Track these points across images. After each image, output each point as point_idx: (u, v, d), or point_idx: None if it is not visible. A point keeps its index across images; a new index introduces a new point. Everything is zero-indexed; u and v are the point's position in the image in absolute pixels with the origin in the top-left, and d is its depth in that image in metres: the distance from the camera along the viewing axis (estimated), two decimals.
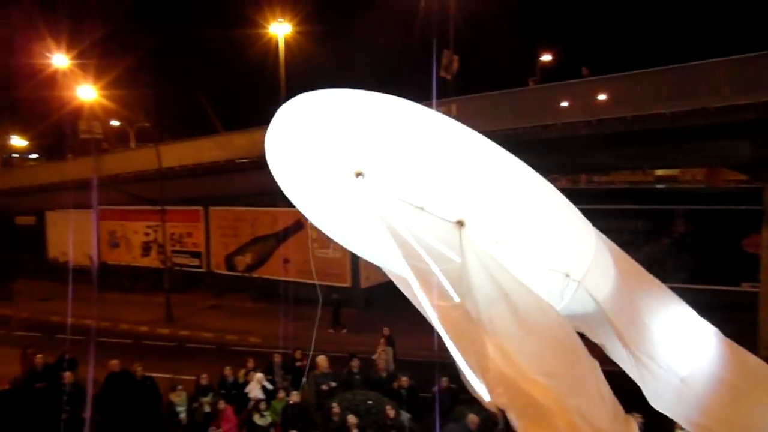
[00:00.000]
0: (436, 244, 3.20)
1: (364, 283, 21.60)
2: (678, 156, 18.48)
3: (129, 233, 29.55)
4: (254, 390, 10.89)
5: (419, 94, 18.59)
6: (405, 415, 9.78)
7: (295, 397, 10.15)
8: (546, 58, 28.37)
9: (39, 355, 12.53)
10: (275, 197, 18.02)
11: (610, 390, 3.82)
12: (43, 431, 11.64)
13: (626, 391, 3.97)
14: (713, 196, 22.46)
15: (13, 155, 58.21)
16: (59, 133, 39.37)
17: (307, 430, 10.03)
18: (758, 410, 4.55)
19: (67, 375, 11.33)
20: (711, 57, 15.25)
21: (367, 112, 3.24)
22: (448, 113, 18.18)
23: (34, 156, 57.01)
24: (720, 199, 21.43)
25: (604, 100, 17.19)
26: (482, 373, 3.00)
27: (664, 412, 4.43)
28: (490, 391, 3.03)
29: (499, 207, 3.47)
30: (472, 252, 3.26)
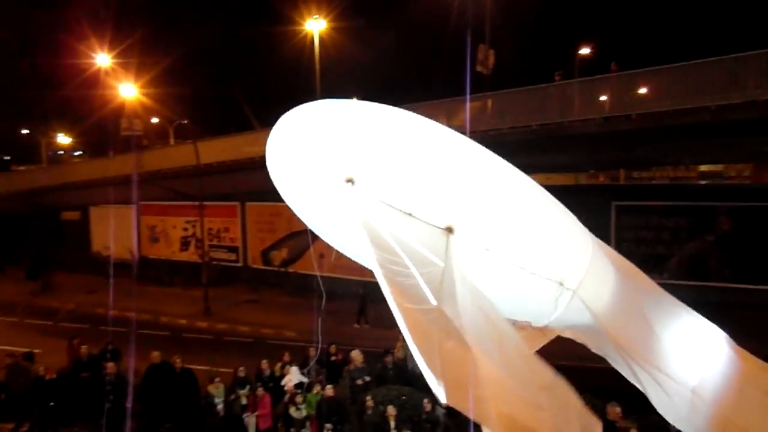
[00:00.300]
0: (422, 249, 3.20)
1: None
2: (722, 151, 17.92)
3: (168, 228, 30.22)
4: (290, 383, 11.03)
5: (455, 90, 18.51)
6: (440, 410, 9.78)
7: (329, 391, 10.25)
8: (584, 51, 27.83)
9: (84, 346, 12.95)
10: None
11: (580, 405, 3.83)
12: (88, 418, 12.07)
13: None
14: (760, 192, 21.68)
15: (59, 152, 60.22)
16: (102, 130, 40.60)
17: (342, 424, 10.13)
18: None
19: (110, 365, 11.68)
20: (757, 48, 14.72)
21: (359, 121, 3.28)
22: (484, 108, 18.07)
23: (78, 153, 58.78)
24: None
25: (644, 93, 16.78)
26: (441, 375, 2.95)
27: (676, 425, 4.28)
28: (447, 395, 2.89)
29: (489, 213, 3.43)
30: (457, 259, 3.22)
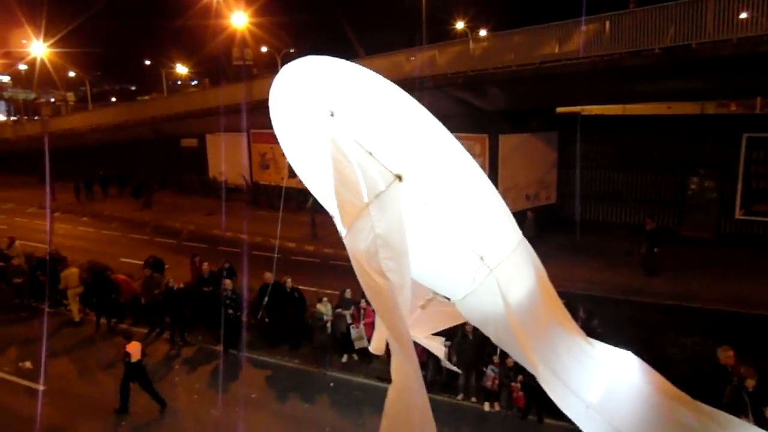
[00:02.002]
0: (374, 185, 3.70)
1: None
2: None
3: (278, 155, 31.37)
4: None
5: (572, 11, 17.13)
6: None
7: None
8: None
9: (205, 263, 14.10)
10: None
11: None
12: (209, 328, 13.33)
13: None
14: None
15: (178, 82, 63.64)
16: (216, 60, 42.29)
17: (450, 339, 10.36)
18: None
19: (227, 282, 12.67)
20: None
21: (347, 73, 3.96)
22: (600, 31, 16.68)
23: (194, 83, 61.80)
24: None
25: None
26: (371, 297, 3.64)
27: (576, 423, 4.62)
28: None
29: (435, 172, 3.92)
30: (398, 203, 3.73)
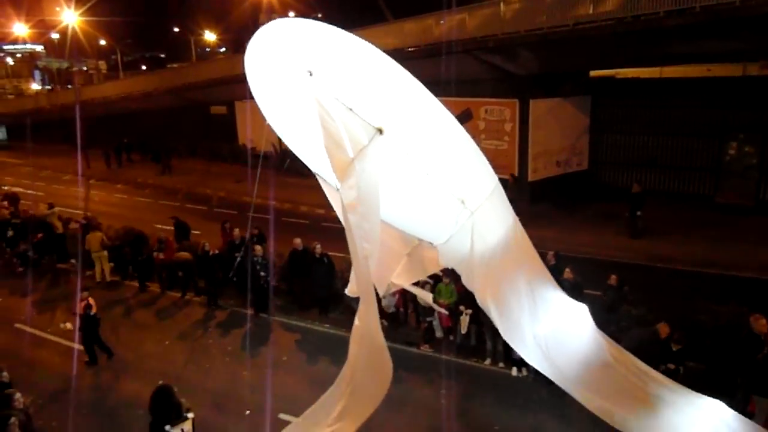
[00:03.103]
0: (357, 140, 3.88)
1: (531, 176, 21.04)
2: None
3: None
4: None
5: None
6: None
7: None
8: None
9: (236, 230, 14.33)
10: (445, 87, 17.73)
11: None
12: (239, 292, 13.62)
13: None
14: None
15: (207, 49, 63.64)
16: (243, 27, 42.07)
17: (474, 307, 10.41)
18: (607, 380, 5.17)
19: (258, 248, 12.86)
20: None
21: (324, 32, 4.10)
22: None
23: (222, 50, 61.74)
24: None
25: None
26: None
27: (530, 361, 5.25)
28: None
29: (415, 125, 4.15)
30: (377, 156, 3.93)
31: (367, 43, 4.15)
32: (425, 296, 7.84)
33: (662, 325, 8.48)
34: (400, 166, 4.14)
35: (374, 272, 4.77)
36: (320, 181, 5.04)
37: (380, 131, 3.90)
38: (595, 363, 5.23)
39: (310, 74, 3.84)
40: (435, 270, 5.95)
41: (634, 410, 5.08)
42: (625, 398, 5.12)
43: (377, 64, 4.13)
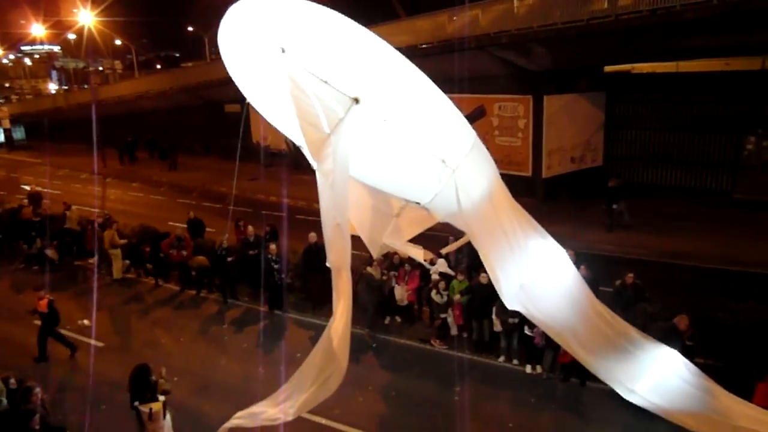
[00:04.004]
0: (333, 113, 3.94)
1: (545, 173, 20.90)
2: None
3: None
4: (436, 272, 11.57)
5: None
6: None
7: (483, 279, 10.50)
8: None
9: (250, 227, 14.40)
10: (459, 84, 17.64)
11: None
12: (253, 289, 13.69)
13: None
14: None
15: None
16: None
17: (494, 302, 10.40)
18: (587, 328, 5.48)
19: (272, 247, 12.92)
20: None
21: (295, 9, 4.07)
22: None
23: None
24: None
25: None
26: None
27: (511, 307, 5.41)
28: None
29: (390, 91, 4.20)
30: (354, 125, 4.02)
31: (337, 13, 4.15)
32: (417, 253, 7.82)
33: (681, 317, 8.35)
34: (380, 131, 4.22)
35: (365, 236, 5.19)
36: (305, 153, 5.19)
37: (356, 101, 3.96)
38: (576, 310, 5.51)
39: (283, 51, 3.88)
40: (423, 228, 6.32)
41: (605, 354, 5.52)
42: (599, 342, 5.51)
43: (349, 35, 4.15)
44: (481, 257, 5.18)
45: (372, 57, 4.19)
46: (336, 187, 4.09)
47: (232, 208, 17.99)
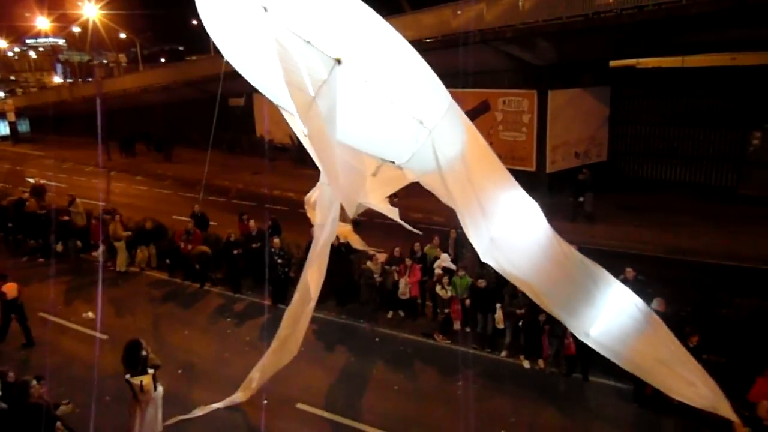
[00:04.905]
0: (316, 74, 4.05)
1: (549, 168, 20.85)
2: None
3: None
4: (439, 267, 11.59)
5: None
6: None
7: (481, 283, 10.51)
8: None
9: (252, 221, 14.41)
10: (463, 78, 17.55)
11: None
12: (256, 283, 13.72)
13: None
14: None
15: None
16: None
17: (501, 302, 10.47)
18: (561, 279, 5.78)
19: (276, 241, 12.93)
20: None
21: None
22: None
23: None
24: None
25: None
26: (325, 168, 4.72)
27: (484, 260, 5.72)
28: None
29: (371, 53, 4.32)
30: (337, 85, 4.15)
31: None
32: (393, 214, 7.82)
33: (693, 337, 8.07)
34: (360, 92, 4.33)
35: (342, 195, 5.27)
36: (282, 113, 5.47)
37: (338, 61, 4.05)
38: (546, 256, 5.74)
39: (265, 10, 3.95)
40: (399, 187, 6.62)
41: (569, 299, 5.79)
42: (566, 288, 5.79)
43: None
44: (458, 215, 5.41)
45: (353, 18, 4.33)
46: (321, 149, 4.36)
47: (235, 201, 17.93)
